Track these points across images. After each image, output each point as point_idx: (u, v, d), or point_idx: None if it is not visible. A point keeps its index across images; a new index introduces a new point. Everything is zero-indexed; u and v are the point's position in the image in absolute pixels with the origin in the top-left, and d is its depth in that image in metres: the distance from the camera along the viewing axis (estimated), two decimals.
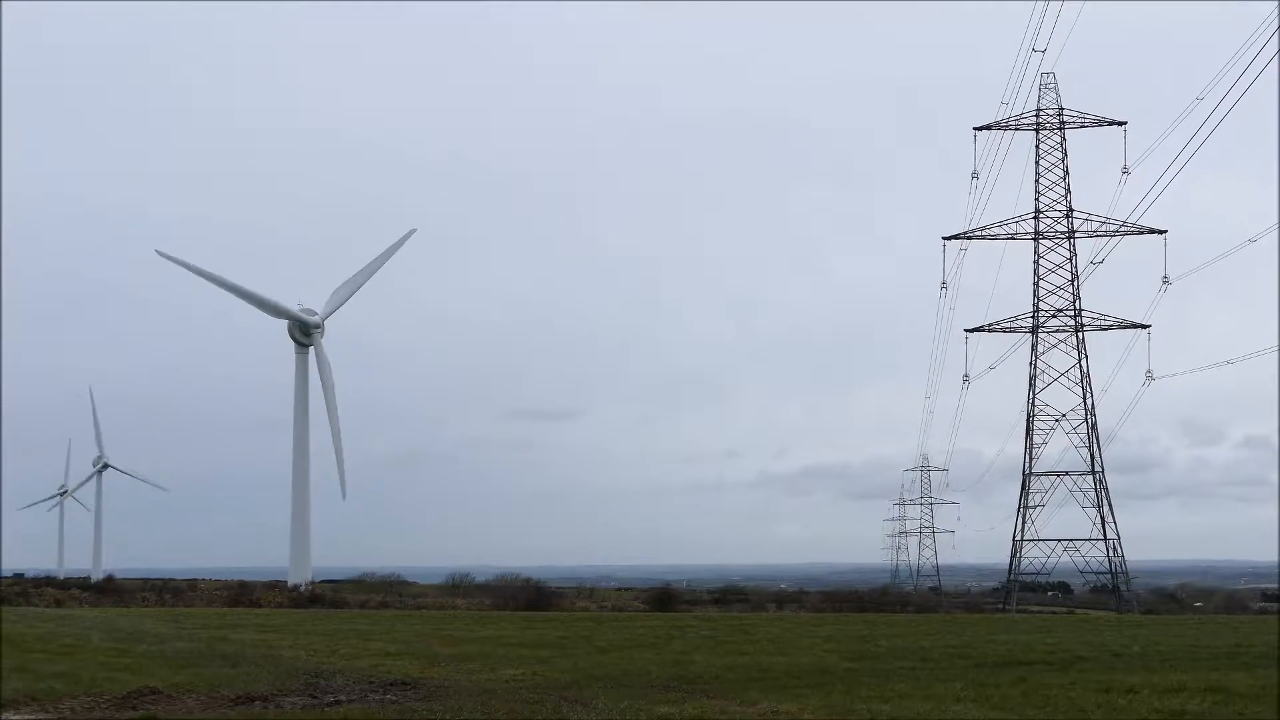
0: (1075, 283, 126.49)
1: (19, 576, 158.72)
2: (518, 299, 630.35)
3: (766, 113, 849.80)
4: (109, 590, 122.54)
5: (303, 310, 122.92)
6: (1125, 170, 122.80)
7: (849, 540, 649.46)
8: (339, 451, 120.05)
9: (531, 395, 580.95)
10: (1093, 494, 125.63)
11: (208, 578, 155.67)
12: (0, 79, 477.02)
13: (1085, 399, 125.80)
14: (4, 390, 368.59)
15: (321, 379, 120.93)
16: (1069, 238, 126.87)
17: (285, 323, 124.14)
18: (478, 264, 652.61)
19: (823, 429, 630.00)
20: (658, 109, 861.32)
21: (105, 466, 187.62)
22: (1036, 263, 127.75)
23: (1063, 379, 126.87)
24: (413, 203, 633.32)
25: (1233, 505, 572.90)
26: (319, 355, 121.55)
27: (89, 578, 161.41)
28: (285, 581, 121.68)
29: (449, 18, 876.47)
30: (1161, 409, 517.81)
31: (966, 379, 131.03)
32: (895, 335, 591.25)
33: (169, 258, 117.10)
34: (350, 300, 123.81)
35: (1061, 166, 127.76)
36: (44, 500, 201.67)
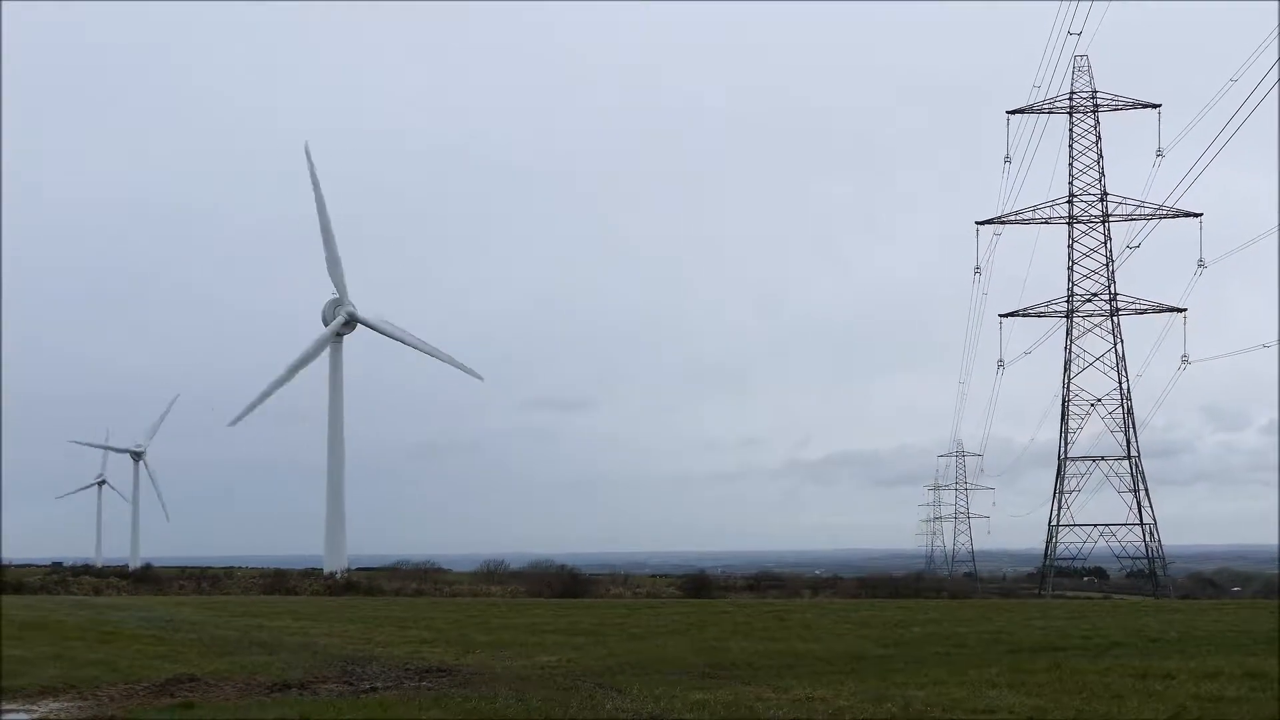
0: (1110, 267, 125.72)
1: (57, 565, 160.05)
2: (540, 289, 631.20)
3: (789, 102, 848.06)
4: (147, 579, 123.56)
5: (332, 297, 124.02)
6: (1159, 153, 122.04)
7: (880, 526, 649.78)
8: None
9: (553, 385, 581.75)
10: (1128, 479, 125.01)
11: (244, 566, 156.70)
12: (0, 78, 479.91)
13: (1121, 383, 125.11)
14: (38, 383, 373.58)
15: (318, 348, 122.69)
16: (1103, 221, 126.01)
17: (320, 313, 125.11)
18: (500, 254, 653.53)
19: (848, 417, 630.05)
20: (678, 99, 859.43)
21: (140, 455, 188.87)
22: (1071, 247, 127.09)
23: (1098, 363, 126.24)
24: (439, 195, 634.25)
25: (1263, 490, 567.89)
26: (329, 335, 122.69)
27: (127, 566, 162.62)
28: (321, 569, 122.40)
29: (482, 17, 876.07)
30: (1185, 394, 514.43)
31: (1001, 364, 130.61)
32: (919, 323, 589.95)
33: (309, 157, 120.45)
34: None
35: (1095, 150, 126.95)
36: (84, 487, 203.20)
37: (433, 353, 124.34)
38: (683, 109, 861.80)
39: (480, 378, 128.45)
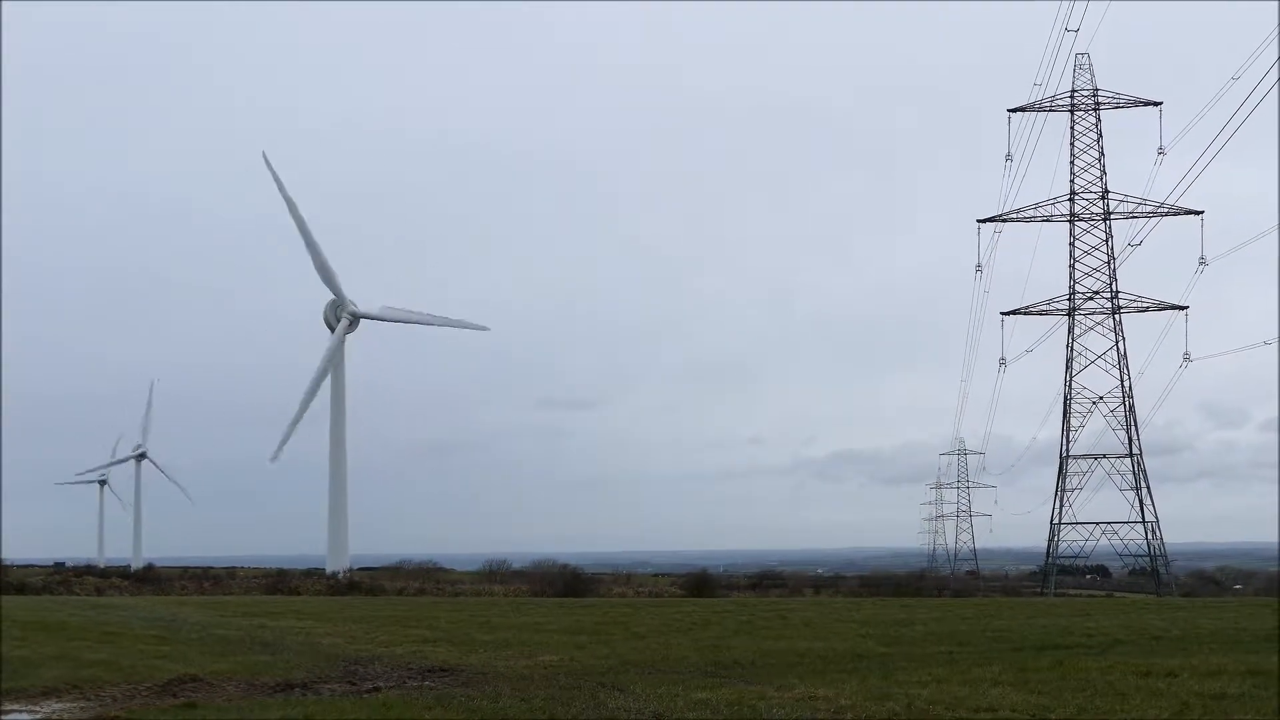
0: (1111, 264, 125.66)
1: (60, 565, 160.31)
2: (546, 288, 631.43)
3: (792, 102, 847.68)
4: (149, 579, 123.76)
5: (330, 299, 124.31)
6: (1161, 151, 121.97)
7: (883, 525, 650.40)
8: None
9: (559, 384, 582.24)
10: (1130, 476, 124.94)
11: (246, 566, 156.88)
12: (0, 77, 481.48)
13: (1123, 381, 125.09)
14: (38, 383, 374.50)
15: (332, 357, 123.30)
16: (1105, 219, 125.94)
17: (320, 313, 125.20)
18: (506, 253, 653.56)
19: (852, 415, 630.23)
20: (689, 97, 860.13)
21: (143, 456, 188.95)
22: (1072, 245, 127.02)
23: (1099, 361, 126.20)
24: (448, 192, 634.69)
25: (1265, 488, 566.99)
26: (337, 341, 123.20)
27: (129, 566, 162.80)
28: (323, 569, 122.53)
29: (495, 17, 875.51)
30: (1183, 391, 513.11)
31: (1003, 362, 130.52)
32: (923, 321, 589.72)
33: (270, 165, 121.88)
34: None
35: (1097, 148, 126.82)
36: (87, 476, 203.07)
37: (434, 321, 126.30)
38: (688, 108, 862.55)
39: (485, 328, 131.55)
